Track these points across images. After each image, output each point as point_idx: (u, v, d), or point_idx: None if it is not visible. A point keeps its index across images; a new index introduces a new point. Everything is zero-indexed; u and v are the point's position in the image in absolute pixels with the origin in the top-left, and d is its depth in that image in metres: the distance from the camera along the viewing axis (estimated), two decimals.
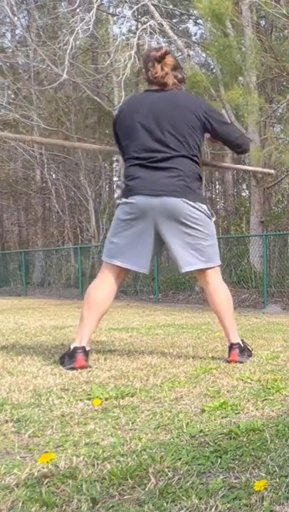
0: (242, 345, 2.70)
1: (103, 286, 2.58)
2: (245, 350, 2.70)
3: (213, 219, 2.69)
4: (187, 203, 2.54)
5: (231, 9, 7.99)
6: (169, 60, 2.60)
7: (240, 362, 2.60)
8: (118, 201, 2.63)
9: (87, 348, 2.54)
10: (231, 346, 2.67)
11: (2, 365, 2.57)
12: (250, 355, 2.73)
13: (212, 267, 2.66)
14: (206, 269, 2.65)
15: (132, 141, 2.56)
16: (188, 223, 2.57)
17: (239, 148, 2.80)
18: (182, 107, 2.59)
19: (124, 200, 2.56)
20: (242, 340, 2.74)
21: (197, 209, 2.58)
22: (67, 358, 2.50)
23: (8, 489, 1.12)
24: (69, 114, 14.99)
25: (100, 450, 1.35)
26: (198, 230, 2.59)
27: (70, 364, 2.46)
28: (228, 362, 2.61)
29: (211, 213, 2.66)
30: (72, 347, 2.52)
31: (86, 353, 2.51)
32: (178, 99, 2.61)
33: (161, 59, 2.58)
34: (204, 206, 2.62)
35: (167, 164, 2.54)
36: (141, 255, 2.58)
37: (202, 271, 2.66)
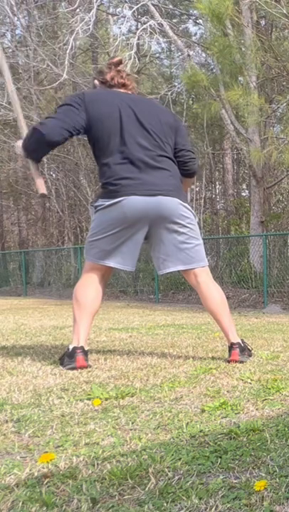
0: (242, 344, 2.70)
1: (90, 286, 2.57)
2: (245, 350, 2.70)
3: (196, 220, 2.73)
4: (180, 203, 2.57)
5: (231, 9, 7.99)
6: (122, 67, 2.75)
7: (241, 361, 2.60)
8: (103, 202, 2.51)
9: (86, 348, 2.54)
10: (232, 346, 2.67)
11: (2, 365, 2.57)
12: (250, 354, 2.73)
13: (203, 266, 2.67)
14: (197, 268, 2.65)
15: (116, 139, 2.50)
16: (183, 223, 2.58)
17: (190, 158, 2.71)
18: (161, 110, 2.69)
19: (112, 201, 2.48)
20: (242, 340, 2.73)
21: (188, 209, 2.62)
22: (67, 358, 2.50)
23: (8, 489, 1.12)
24: None
25: (100, 450, 1.35)
26: (190, 229, 2.62)
27: (70, 364, 2.46)
28: (229, 362, 2.61)
29: (194, 214, 2.71)
30: (71, 347, 2.52)
31: (85, 353, 2.51)
32: (151, 102, 2.72)
33: (116, 65, 2.69)
34: (189, 206, 2.67)
35: (159, 164, 2.54)
36: (132, 254, 2.58)
37: (192, 271, 2.66)
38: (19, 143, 2.62)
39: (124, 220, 2.50)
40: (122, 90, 2.65)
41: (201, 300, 2.73)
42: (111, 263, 2.56)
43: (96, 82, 2.72)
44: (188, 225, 2.60)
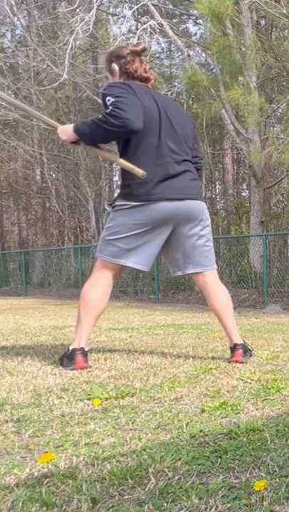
0: (244, 345, 2.70)
1: (99, 286, 2.55)
2: (247, 351, 2.69)
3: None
4: (205, 206, 2.62)
5: (231, 9, 7.99)
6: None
7: (244, 362, 2.60)
8: (127, 203, 2.48)
9: (86, 349, 2.53)
10: (235, 347, 2.66)
11: (2, 365, 2.57)
12: (250, 355, 2.73)
13: (215, 268, 2.71)
14: (207, 271, 2.66)
15: (152, 140, 2.45)
16: (204, 225, 2.62)
17: (200, 171, 2.74)
18: (185, 114, 2.69)
19: (139, 203, 2.45)
20: (243, 341, 2.73)
21: (207, 211, 2.66)
22: (66, 359, 2.49)
23: (8, 489, 1.12)
24: (69, 114, 15.00)
25: (100, 450, 1.35)
26: (209, 232, 2.67)
27: (69, 366, 2.46)
28: (230, 362, 2.61)
29: None
30: (70, 348, 2.52)
31: (85, 354, 2.50)
32: (176, 104, 2.72)
33: (140, 53, 2.58)
34: None
35: (185, 168, 2.55)
36: (151, 255, 2.58)
37: (204, 273, 2.66)
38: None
39: (150, 222, 2.48)
40: (144, 84, 2.55)
41: (207, 300, 2.73)
42: (128, 263, 2.52)
43: (115, 67, 2.55)
44: (208, 228, 2.65)
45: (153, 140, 2.45)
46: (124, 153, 2.48)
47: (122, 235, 2.50)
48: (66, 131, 2.47)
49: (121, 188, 2.56)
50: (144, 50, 2.58)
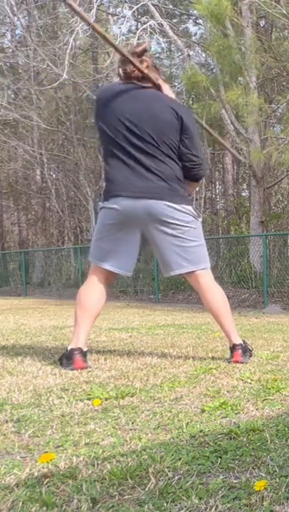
0: (244, 345, 2.69)
1: (93, 288, 2.58)
2: (247, 351, 2.69)
3: (200, 219, 2.68)
4: (169, 205, 2.52)
5: (230, 9, 7.99)
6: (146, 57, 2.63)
7: (244, 363, 2.59)
8: (104, 202, 2.55)
9: (84, 349, 2.53)
10: (234, 347, 2.66)
11: (2, 365, 2.57)
12: (250, 355, 2.73)
13: (204, 268, 2.64)
14: (198, 270, 2.63)
15: (114, 141, 2.52)
16: (174, 225, 2.54)
17: (194, 164, 2.60)
18: (162, 107, 2.57)
19: (106, 202, 2.52)
20: (243, 341, 2.73)
21: (180, 211, 2.55)
22: (65, 360, 2.50)
23: (8, 489, 1.12)
24: (69, 114, 15.00)
25: (100, 450, 1.35)
26: (184, 231, 2.57)
27: (68, 366, 2.46)
28: (229, 362, 2.61)
29: (198, 214, 2.66)
30: (68, 348, 2.52)
31: (83, 354, 2.50)
32: (155, 97, 2.58)
33: (140, 54, 2.58)
34: (189, 207, 2.59)
35: (151, 166, 2.50)
36: (129, 257, 2.58)
37: (193, 273, 2.63)
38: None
39: (117, 221, 2.51)
40: (138, 83, 2.56)
41: (203, 302, 2.71)
42: (107, 266, 2.56)
43: (120, 71, 2.62)
44: (181, 227, 2.56)
45: (117, 141, 2.49)
46: (103, 156, 2.59)
47: (101, 235, 2.56)
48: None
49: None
50: (144, 51, 2.58)
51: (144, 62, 2.57)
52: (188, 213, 2.58)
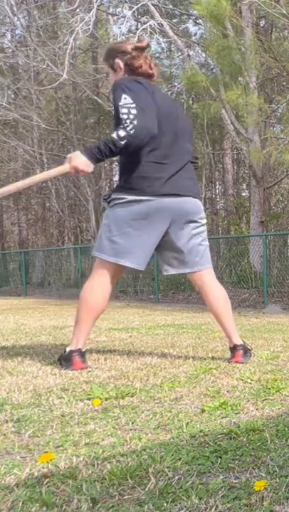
0: (244, 346, 2.69)
1: (100, 287, 2.49)
2: (247, 351, 2.69)
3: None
4: (201, 205, 2.61)
5: (230, 10, 7.99)
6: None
7: (244, 363, 2.59)
8: (126, 196, 2.44)
9: (83, 350, 2.52)
10: (235, 347, 2.65)
11: (2, 365, 2.57)
12: (250, 355, 2.73)
13: (208, 268, 2.67)
14: (203, 270, 2.64)
15: (164, 139, 2.46)
16: (199, 224, 2.60)
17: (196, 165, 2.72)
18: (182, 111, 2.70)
19: (135, 197, 2.43)
20: (243, 341, 2.73)
21: (202, 209, 2.65)
22: (64, 361, 2.48)
23: (8, 489, 1.12)
24: (69, 114, 15.00)
25: (100, 450, 1.35)
26: (204, 231, 2.65)
27: (67, 367, 2.44)
28: (230, 362, 2.61)
29: None
30: (67, 350, 2.50)
31: (82, 355, 2.49)
32: (174, 101, 2.73)
33: (144, 50, 2.56)
34: None
35: (185, 165, 2.55)
36: (147, 253, 2.54)
37: (197, 272, 2.64)
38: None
39: (146, 218, 2.44)
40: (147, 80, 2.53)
41: (205, 301, 2.70)
42: (126, 262, 2.46)
43: (120, 63, 2.53)
44: (203, 226, 2.64)
45: (161, 137, 2.42)
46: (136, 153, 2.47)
47: (119, 231, 2.45)
48: (85, 162, 2.37)
49: (119, 181, 2.53)
50: (147, 46, 2.58)
51: (148, 59, 2.58)
52: (204, 212, 2.68)
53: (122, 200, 2.44)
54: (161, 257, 2.66)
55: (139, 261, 2.50)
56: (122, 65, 2.53)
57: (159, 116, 2.40)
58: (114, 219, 2.47)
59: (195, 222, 2.58)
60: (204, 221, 2.65)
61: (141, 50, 2.54)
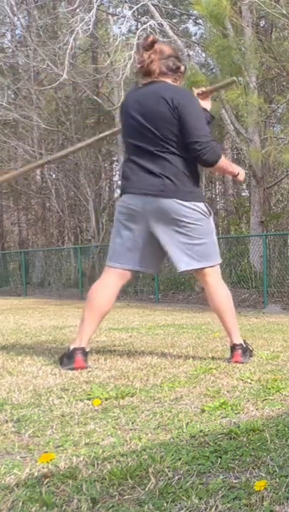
0: (244, 345, 2.69)
1: (105, 288, 2.55)
2: (247, 351, 2.69)
3: (211, 217, 2.64)
4: (178, 203, 2.50)
5: (229, 10, 7.98)
6: (158, 47, 2.54)
7: (244, 363, 2.59)
8: (119, 199, 2.66)
9: (87, 349, 2.53)
10: (234, 347, 2.66)
11: (2, 365, 2.57)
12: (251, 355, 2.73)
13: (211, 266, 2.63)
14: (204, 268, 2.63)
15: (124, 140, 2.63)
16: (181, 223, 2.53)
17: (197, 152, 2.48)
18: (158, 102, 2.47)
19: (120, 199, 2.61)
20: (244, 341, 2.73)
21: (190, 208, 2.53)
22: (66, 358, 2.49)
23: (8, 489, 1.12)
24: (69, 114, 15.00)
25: (100, 450, 1.35)
26: (192, 228, 2.55)
27: (68, 365, 2.46)
28: (229, 362, 2.61)
29: (209, 211, 2.62)
30: (71, 348, 2.52)
31: (85, 354, 2.50)
32: (154, 93, 2.50)
33: (149, 47, 2.52)
34: (200, 204, 2.56)
35: (153, 164, 2.51)
36: (144, 255, 2.56)
37: (200, 270, 2.63)
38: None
39: (130, 216, 2.53)
40: (146, 78, 2.56)
41: (208, 299, 2.71)
42: (118, 265, 2.56)
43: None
44: (189, 225, 2.54)
45: (124, 138, 2.62)
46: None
47: (115, 232, 2.59)
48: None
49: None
50: (153, 42, 2.54)
51: (154, 55, 2.53)
52: (197, 210, 2.54)
53: (117, 204, 2.64)
54: (168, 256, 2.66)
55: (136, 263, 2.56)
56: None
57: (127, 117, 2.56)
58: (115, 221, 2.62)
59: (173, 221, 2.51)
60: (187, 219, 2.52)
61: (144, 49, 2.57)
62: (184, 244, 2.56)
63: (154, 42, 2.53)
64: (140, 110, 2.50)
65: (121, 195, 2.59)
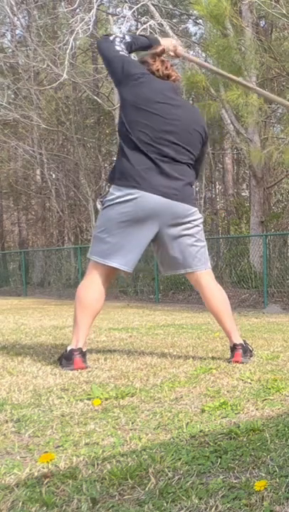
0: (244, 345, 2.69)
1: (93, 286, 2.52)
2: (247, 351, 2.69)
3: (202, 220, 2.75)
4: (188, 207, 2.57)
5: (229, 10, 7.98)
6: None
7: (244, 363, 2.59)
8: (115, 193, 2.48)
9: (84, 350, 2.53)
10: (234, 347, 2.66)
11: (2, 365, 2.57)
12: (251, 355, 2.73)
13: (207, 269, 2.67)
14: (201, 271, 2.64)
15: (152, 134, 2.49)
16: (191, 225, 2.59)
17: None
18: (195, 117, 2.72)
19: (122, 193, 2.46)
20: (244, 341, 2.73)
21: (196, 211, 2.63)
22: (65, 360, 2.49)
23: (8, 489, 1.12)
24: (69, 114, 15.00)
25: (100, 450, 1.35)
26: (198, 231, 2.63)
27: (67, 366, 2.45)
28: (230, 362, 2.61)
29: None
30: (68, 349, 2.51)
31: (83, 355, 2.50)
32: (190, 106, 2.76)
33: (160, 55, 2.67)
34: (197, 209, 2.68)
35: (177, 167, 2.55)
36: (136, 255, 2.55)
37: (195, 273, 2.64)
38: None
39: (133, 214, 2.46)
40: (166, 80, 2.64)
41: (204, 301, 2.72)
42: (113, 263, 2.49)
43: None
44: (197, 227, 2.62)
45: (148, 132, 2.47)
46: (124, 131, 2.51)
47: (111, 231, 2.48)
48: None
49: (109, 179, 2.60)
50: (163, 51, 2.69)
51: (166, 62, 2.67)
52: (199, 214, 2.66)
53: (111, 202, 2.49)
54: (159, 257, 2.70)
55: (127, 262, 2.52)
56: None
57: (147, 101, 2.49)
58: (104, 218, 2.52)
59: (183, 223, 2.56)
60: (196, 222, 2.62)
61: (156, 55, 2.67)
62: (193, 247, 2.61)
63: (164, 51, 2.71)
64: (185, 122, 2.56)
65: (123, 192, 2.47)
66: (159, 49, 2.67)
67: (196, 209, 2.65)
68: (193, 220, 2.60)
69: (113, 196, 2.48)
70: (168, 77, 2.65)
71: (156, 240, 2.60)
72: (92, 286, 2.53)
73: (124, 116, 2.51)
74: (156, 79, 2.59)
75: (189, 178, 2.61)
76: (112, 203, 2.48)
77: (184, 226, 2.57)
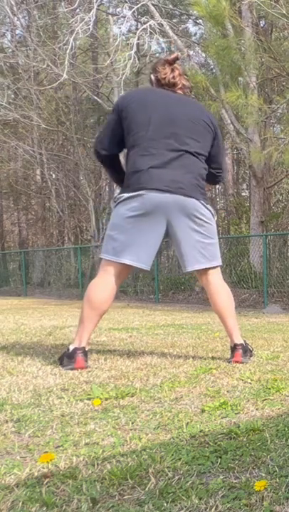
0: (245, 345, 2.69)
1: (105, 286, 2.51)
2: (247, 351, 2.69)
3: (215, 218, 2.71)
4: (199, 202, 2.57)
5: (229, 10, 7.99)
6: (178, 64, 2.72)
7: (244, 363, 2.60)
8: (124, 194, 2.51)
9: (87, 349, 2.54)
10: (235, 347, 2.66)
11: (2, 365, 2.57)
12: (251, 355, 2.73)
13: (216, 266, 2.66)
14: (210, 268, 2.64)
15: (141, 132, 2.52)
16: (199, 221, 2.58)
17: (218, 178, 2.79)
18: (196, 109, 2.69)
19: (131, 193, 2.48)
20: (244, 341, 2.73)
21: (207, 208, 2.62)
22: (66, 358, 2.49)
23: (8, 489, 1.12)
24: (69, 114, 14.99)
25: (100, 450, 1.35)
26: (207, 228, 2.61)
27: (69, 365, 2.46)
28: (230, 362, 2.61)
29: (212, 213, 2.68)
30: (71, 348, 2.52)
31: (85, 354, 2.51)
32: (188, 101, 2.71)
33: (173, 62, 2.68)
34: (209, 206, 2.65)
35: (181, 161, 2.53)
36: (149, 252, 2.53)
37: (204, 270, 2.64)
38: None
39: (142, 212, 2.47)
40: (170, 89, 2.65)
41: (209, 299, 2.72)
42: (124, 260, 2.48)
43: (152, 77, 2.72)
44: (205, 224, 2.60)
45: (144, 133, 2.50)
46: (127, 146, 2.59)
47: (120, 228, 2.49)
48: None
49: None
50: (176, 59, 2.69)
51: (176, 70, 2.66)
52: (209, 210, 2.64)
53: (121, 199, 2.52)
54: (176, 254, 2.70)
55: (139, 258, 2.50)
56: (153, 78, 2.71)
57: (139, 114, 2.51)
58: (116, 216, 2.53)
59: (190, 218, 2.55)
60: (204, 218, 2.60)
61: (168, 63, 2.67)
62: (199, 243, 2.59)
63: (177, 59, 2.71)
64: (184, 112, 2.56)
65: (132, 189, 2.49)
66: (172, 56, 2.67)
67: (206, 204, 2.61)
68: (202, 215, 2.58)
69: (122, 195, 2.52)
70: (174, 85, 2.64)
71: (169, 236, 2.61)
72: (102, 286, 2.52)
73: (126, 134, 2.57)
74: (147, 91, 2.65)
75: (199, 171, 2.59)
76: (121, 199, 2.52)
77: (191, 221, 2.56)
